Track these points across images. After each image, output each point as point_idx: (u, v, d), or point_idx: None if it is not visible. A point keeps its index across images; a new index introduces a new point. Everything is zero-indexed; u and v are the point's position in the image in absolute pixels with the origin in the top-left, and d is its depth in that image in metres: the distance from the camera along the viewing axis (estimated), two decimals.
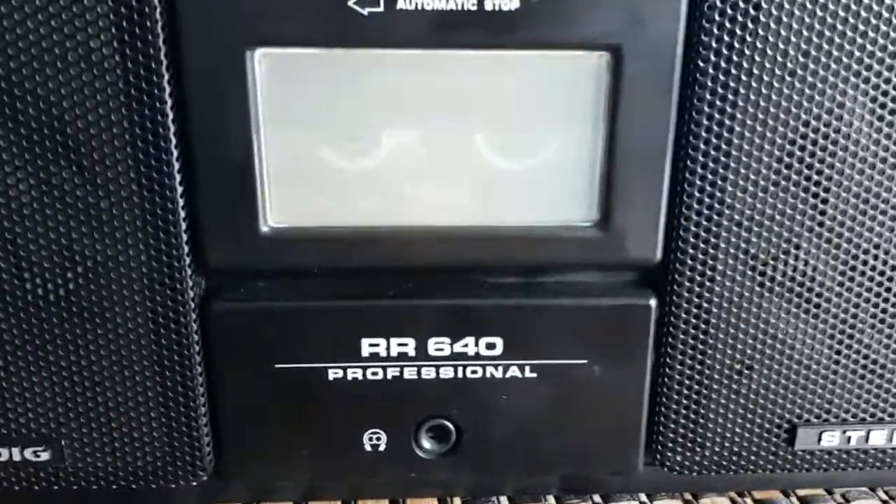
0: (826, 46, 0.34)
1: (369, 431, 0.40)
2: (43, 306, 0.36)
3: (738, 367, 0.39)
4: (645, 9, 0.33)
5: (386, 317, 0.38)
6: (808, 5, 0.33)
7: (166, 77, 0.34)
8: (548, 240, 0.37)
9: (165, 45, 0.33)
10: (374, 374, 0.39)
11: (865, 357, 0.39)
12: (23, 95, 0.33)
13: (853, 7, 0.33)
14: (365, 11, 0.33)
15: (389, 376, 0.39)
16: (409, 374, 0.39)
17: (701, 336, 0.38)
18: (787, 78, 0.34)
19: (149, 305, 0.37)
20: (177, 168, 0.35)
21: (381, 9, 0.33)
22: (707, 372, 0.39)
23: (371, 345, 0.38)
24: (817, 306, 0.38)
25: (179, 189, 0.35)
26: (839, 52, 0.34)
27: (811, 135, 0.35)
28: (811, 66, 0.34)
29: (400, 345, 0.38)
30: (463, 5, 0.33)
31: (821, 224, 0.37)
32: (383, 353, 0.38)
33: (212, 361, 0.38)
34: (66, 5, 0.32)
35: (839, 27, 0.34)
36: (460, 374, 0.39)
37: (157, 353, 0.37)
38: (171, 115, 0.34)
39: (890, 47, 0.34)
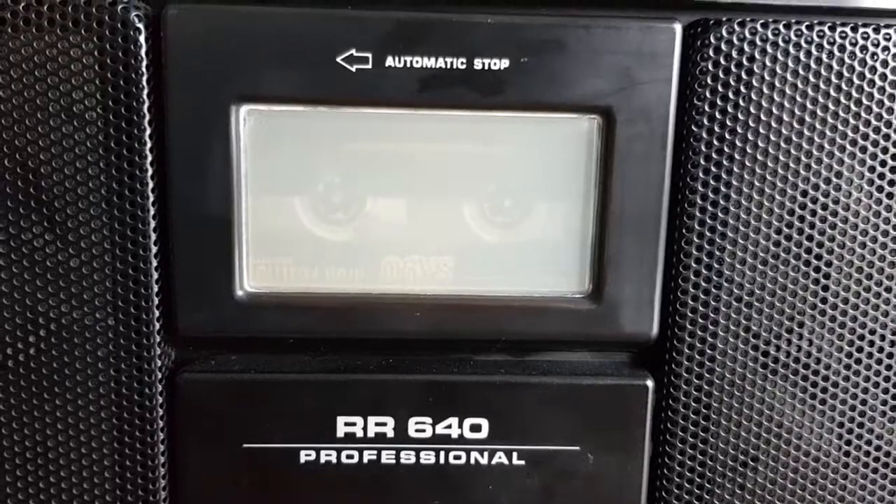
0: (821, 114, 0.33)
1: None
2: None
3: (742, 457, 0.36)
4: (637, 70, 0.33)
5: (364, 393, 0.35)
6: (802, 72, 0.33)
7: (148, 131, 0.33)
8: (536, 311, 0.35)
9: (150, 99, 0.33)
10: (350, 457, 0.36)
11: (878, 449, 0.36)
12: None
13: (846, 75, 0.33)
14: (353, 69, 0.33)
15: (366, 460, 0.36)
16: (388, 457, 0.36)
17: (702, 422, 0.36)
18: (783, 145, 0.34)
19: (113, 374, 0.35)
20: (152, 227, 0.34)
21: (370, 66, 0.33)
22: (710, 463, 0.36)
23: (347, 423, 0.35)
24: (824, 391, 0.36)
25: (154, 249, 0.34)
26: (834, 119, 0.33)
27: (809, 205, 0.34)
28: (807, 133, 0.34)
29: (378, 424, 0.36)
30: (452, 64, 0.33)
31: (823, 301, 0.35)
32: (360, 434, 0.36)
33: (175, 438, 0.35)
34: (52, 56, 0.32)
35: (833, 94, 0.33)
36: (442, 460, 0.36)
37: (117, 426, 0.35)
38: (150, 171, 0.33)
39: (885, 116, 0.33)
